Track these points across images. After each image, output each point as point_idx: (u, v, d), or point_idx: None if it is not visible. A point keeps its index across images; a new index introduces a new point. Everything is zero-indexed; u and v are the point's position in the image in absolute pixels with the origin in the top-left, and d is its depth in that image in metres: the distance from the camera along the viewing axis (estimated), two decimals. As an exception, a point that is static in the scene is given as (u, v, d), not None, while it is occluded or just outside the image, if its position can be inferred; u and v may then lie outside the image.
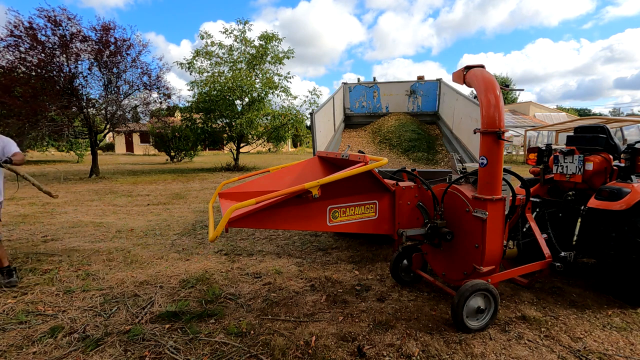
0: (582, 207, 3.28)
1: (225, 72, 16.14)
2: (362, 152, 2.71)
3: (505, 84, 34.03)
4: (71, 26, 12.24)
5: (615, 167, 3.27)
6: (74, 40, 12.22)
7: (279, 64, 17.00)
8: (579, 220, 3.41)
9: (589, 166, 3.26)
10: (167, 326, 2.69)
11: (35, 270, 3.80)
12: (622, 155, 3.11)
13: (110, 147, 37.07)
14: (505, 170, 2.75)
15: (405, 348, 2.40)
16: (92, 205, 7.92)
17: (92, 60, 12.91)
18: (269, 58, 16.75)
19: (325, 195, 2.30)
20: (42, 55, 11.85)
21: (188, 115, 16.59)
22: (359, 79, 7.71)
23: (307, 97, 17.53)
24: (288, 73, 17.20)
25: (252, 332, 2.61)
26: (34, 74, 12.12)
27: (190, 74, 16.35)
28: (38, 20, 11.79)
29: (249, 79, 15.49)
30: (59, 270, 3.81)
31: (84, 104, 12.96)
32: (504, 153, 2.58)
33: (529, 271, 2.92)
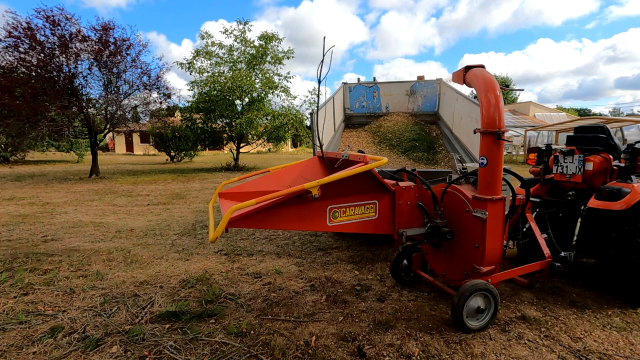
0: (582, 207, 3.28)
1: (225, 72, 16.15)
2: (362, 152, 2.71)
3: (505, 84, 34.08)
4: (70, 26, 12.25)
5: (615, 167, 3.27)
6: (73, 40, 12.21)
7: (279, 64, 17.01)
8: (579, 220, 3.41)
9: (589, 166, 3.26)
10: (167, 326, 2.69)
11: (35, 270, 3.80)
12: (622, 155, 3.11)
13: (104, 149, 37.07)
14: (505, 170, 2.75)
15: (405, 348, 2.40)
16: (92, 205, 7.92)
17: (92, 60, 12.91)
18: (268, 58, 16.76)
19: (325, 195, 2.30)
20: (42, 55, 11.85)
21: (188, 115, 16.60)
22: (359, 79, 7.72)
23: (307, 97, 17.54)
24: (288, 73, 17.22)
25: (252, 332, 2.61)
26: (33, 74, 12.12)
27: (190, 74, 16.38)
28: (36, 21, 11.80)
29: (248, 79, 15.50)
30: (59, 270, 3.81)
31: (84, 104, 12.96)
32: (504, 153, 2.59)
33: (529, 271, 2.93)
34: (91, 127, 13.45)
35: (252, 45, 16.64)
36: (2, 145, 19.37)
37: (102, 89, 13.73)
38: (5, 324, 2.70)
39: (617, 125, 15.26)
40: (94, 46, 12.68)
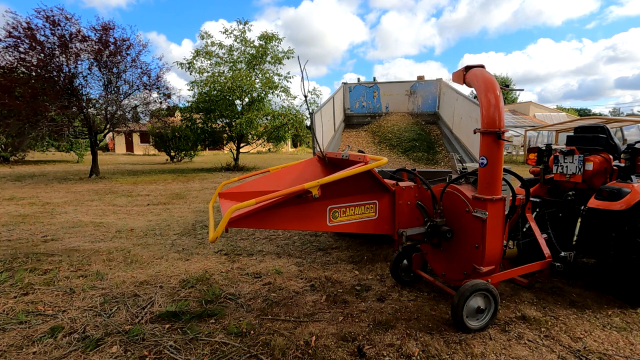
0: (582, 207, 3.29)
1: (225, 72, 16.15)
2: (362, 152, 2.71)
3: (505, 84, 34.05)
4: (70, 26, 12.25)
5: (615, 167, 3.27)
6: (73, 40, 12.21)
7: (279, 64, 17.02)
8: (579, 220, 3.41)
9: (589, 166, 3.26)
10: (167, 326, 2.69)
11: (35, 270, 3.80)
12: (622, 155, 3.11)
13: (104, 149, 37.14)
14: (505, 170, 2.75)
15: (405, 348, 2.40)
16: (92, 205, 7.92)
17: (92, 60, 12.91)
18: (268, 58, 16.76)
19: (325, 195, 2.30)
20: (42, 55, 11.84)
21: (188, 115, 16.60)
22: (359, 79, 7.72)
23: (306, 97, 17.54)
24: (288, 73, 17.24)
25: (252, 332, 2.61)
26: (33, 74, 12.12)
27: (190, 74, 16.38)
28: (36, 21, 11.80)
29: (248, 79, 15.50)
30: (59, 270, 3.81)
31: (84, 104, 12.95)
32: (504, 153, 2.59)
33: (529, 271, 2.93)
34: (91, 127, 13.45)
35: (252, 45, 16.64)
36: (2, 145, 19.38)
37: (102, 89, 13.74)
38: (5, 324, 2.70)
39: (617, 125, 15.26)
40: (94, 46, 12.68)
